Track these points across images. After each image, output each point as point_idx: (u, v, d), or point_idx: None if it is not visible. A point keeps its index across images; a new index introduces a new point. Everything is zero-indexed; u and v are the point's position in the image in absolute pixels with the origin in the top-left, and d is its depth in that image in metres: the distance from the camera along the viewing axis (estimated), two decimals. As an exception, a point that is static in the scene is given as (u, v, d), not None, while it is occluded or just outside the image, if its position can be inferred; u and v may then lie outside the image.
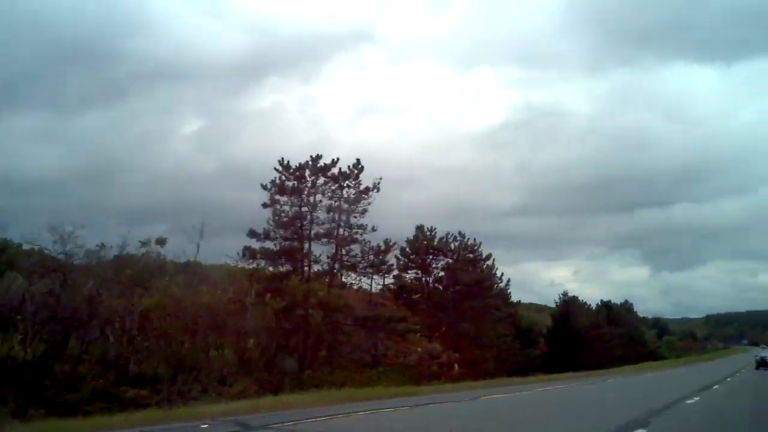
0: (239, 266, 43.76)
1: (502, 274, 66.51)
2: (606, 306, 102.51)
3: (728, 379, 41.90)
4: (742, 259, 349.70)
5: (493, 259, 63.31)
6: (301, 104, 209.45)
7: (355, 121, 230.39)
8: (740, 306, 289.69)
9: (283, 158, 45.28)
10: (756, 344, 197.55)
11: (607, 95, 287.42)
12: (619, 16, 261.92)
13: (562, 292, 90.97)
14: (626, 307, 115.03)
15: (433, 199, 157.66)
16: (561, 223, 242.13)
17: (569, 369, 59.79)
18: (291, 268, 45.26)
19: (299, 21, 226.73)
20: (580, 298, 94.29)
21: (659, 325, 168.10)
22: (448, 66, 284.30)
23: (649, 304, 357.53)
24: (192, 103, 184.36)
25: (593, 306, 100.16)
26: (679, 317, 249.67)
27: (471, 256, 60.56)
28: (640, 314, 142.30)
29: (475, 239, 61.64)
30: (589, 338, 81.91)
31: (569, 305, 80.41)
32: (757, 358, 63.90)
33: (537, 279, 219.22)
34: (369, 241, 47.74)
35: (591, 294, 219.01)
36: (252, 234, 44.30)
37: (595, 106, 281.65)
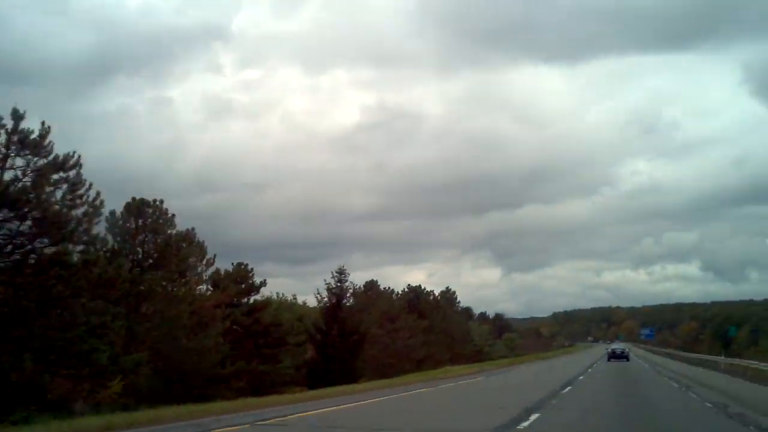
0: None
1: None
2: (414, 293, 76.70)
3: (589, 370, 47.06)
4: (587, 259, 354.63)
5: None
6: (150, 106, 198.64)
7: (209, 124, 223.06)
8: (585, 304, 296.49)
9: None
10: (597, 341, 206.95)
11: (460, 96, 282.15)
12: (467, 17, 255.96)
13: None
14: (447, 296, 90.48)
15: (290, 203, 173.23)
16: (417, 225, 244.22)
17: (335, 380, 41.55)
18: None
19: (148, 18, 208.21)
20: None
21: (500, 322, 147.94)
22: (302, 67, 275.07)
23: (500, 305, 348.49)
24: (32, 105, 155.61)
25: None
26: (528, 317, 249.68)
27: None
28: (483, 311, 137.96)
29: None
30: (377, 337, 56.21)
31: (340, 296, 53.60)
32: (608, 351, 73.42)
33: (396, 283, 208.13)
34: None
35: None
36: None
37: (448, 108, 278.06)
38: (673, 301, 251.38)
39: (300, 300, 64.04)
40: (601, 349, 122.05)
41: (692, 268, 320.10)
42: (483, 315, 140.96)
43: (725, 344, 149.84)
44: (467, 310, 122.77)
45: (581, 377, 37.67)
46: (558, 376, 38.71)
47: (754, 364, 45.58)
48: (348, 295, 54.46)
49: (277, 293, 59.13)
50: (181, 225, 38.16)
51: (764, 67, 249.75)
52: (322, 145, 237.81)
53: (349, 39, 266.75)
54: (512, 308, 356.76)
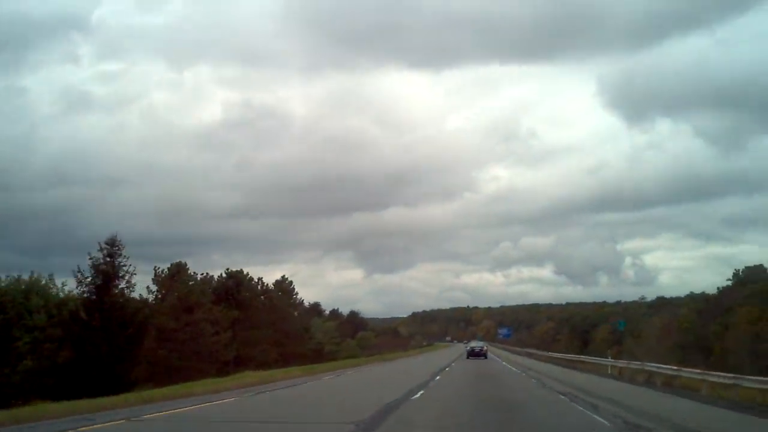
0: None
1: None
2: (235, 280, 61.82)
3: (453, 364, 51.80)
4: (447, 261, 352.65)
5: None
6: (2, 95, 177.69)
7: (65, 116, 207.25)
8: (445, 304, 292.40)
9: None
10: (455, 341, 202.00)
11: (325, 97, 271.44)
12: (334, 19, 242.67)
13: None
14: (282, 286, 76.43)
15: (149, 199, 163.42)
16: (280, 225, 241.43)
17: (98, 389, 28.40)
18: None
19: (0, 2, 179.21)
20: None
21: (355, 321, 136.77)
22: (165, 61, 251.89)
23: (362, 305, 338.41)
24: None
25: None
26: (389, 317, 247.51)
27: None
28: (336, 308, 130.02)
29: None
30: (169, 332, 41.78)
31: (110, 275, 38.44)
32: (468, 348, 76.89)
33: None
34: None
35: (308, 297, 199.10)
36: None
37: (313, 108, 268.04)
38: (529, 302, 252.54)
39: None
40: (459, 348, 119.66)
41: (547, 272, 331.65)
42: (335, 312, 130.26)
43: (584, 343, 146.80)
44: (315, 306, 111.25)
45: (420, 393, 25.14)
46: (401, 382, 30.16)
47: (653, 366, 34.18)
48: (124, 275, 39.55)
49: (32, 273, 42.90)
50: (34, 219, 23.64)
51: (616, 81, 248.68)
52: (184, 141, 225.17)
53: (214, 36, 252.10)
54: (373, 308, 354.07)
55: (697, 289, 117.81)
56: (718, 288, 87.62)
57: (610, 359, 48.93)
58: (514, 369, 47.86)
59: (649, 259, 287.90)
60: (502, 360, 71.02)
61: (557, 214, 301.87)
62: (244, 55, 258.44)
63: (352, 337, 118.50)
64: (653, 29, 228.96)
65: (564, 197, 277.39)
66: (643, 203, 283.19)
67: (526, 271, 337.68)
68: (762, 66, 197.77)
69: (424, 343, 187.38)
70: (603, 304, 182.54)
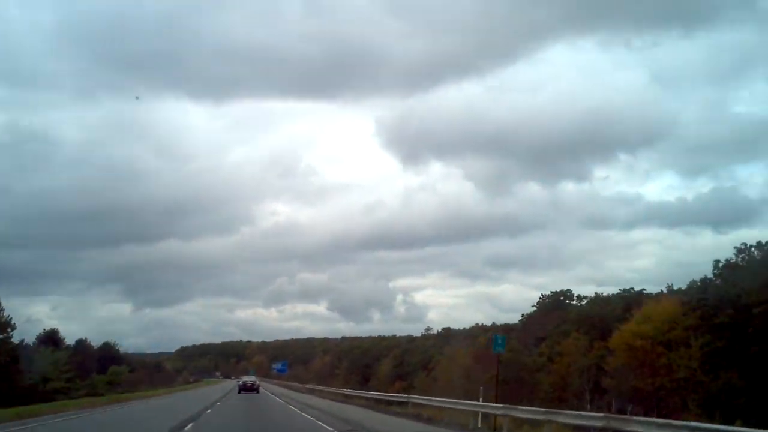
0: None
1: None
2: None
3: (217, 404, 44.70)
4: (222, 296, 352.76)
5: None
6: None
7: None
8: (217, 339, 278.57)
9: None
10: (227, 376, 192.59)
11: (100, 123, 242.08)
12: (110, 41, 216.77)
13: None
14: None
15: None
16: (43, 255, 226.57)
17: None
18: None
19: None
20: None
21: (108, 354, 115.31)
22: None
23: (131, 340, 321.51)
24: None
25: None
26: (158, 351, 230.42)
27: None
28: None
29: None
30: None
31: None
32: (240, 383, 74.03)
33: (17, 316, 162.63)
34: None
35: (73, 331, 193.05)
36: None
37: (86, 135, 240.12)
38: (304, 336, 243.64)
39: None
40: (229, 384, 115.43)
41: (321, 308, 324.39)
42: (82, 343, 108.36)
43: (365, 378, 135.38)
44: (51, 334, 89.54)
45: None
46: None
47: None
48: None
49: None
50: None
51: (392, 122, 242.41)
52: None
53: None
54: (141, 343, 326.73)
55: (464, 325, 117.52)
56: (522, 315, 79.54)
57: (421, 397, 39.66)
58: (295, 409, 39.69)
59: (419, 297, 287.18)
60: (278, 397, 57.61)
61: (333, 251, 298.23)
62: (12, 75, 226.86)
63: (100, 372, 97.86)
64: (428, 74, 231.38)
65: (340, 234, 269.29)
66: (415, 242, 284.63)
67: (301, 307, 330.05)
68: (527, 114, 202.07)
69: (191, 379, 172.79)
70: (381, 338, 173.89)
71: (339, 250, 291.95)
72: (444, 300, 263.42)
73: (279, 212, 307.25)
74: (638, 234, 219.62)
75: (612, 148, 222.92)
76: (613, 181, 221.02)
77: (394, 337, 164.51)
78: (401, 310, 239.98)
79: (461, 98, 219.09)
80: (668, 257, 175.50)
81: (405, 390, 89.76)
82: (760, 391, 36.33)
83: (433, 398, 35.91)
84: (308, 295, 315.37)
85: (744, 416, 32.89)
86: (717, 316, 41.27)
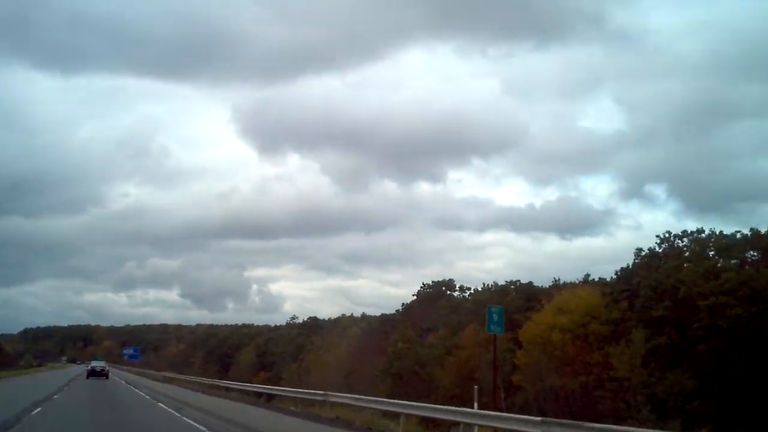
0: None
1: None
2: None
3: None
4: (69, 278, 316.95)
5: None
6: None
7: None
8: (63, 322, 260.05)
9: None
10: (74, 361, 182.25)
11: None
12: None
13: None
14: None
15: None
16: None
17: None
18: None
19: None
20: None
21: None
22: None
23: None
24: None
25: None
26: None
27: None
28: None
29: None
30: None
31: None
32: (88, 368, 71.11)
33: None
34: None
35: None
36: None
37: None
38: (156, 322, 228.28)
39: None
40: (75, 370, 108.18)
41: (173, 295, 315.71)
42: None
43: (224, 367, 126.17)
44: None
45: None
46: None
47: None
48: None
49: None
50: None
51: (250, 110, 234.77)
52: None
53: None
54: None
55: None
56: (403, 304, 73.87)
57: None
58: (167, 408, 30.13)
59: (275, 287, 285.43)
60: (136, 388, 49.53)
61: (186, 237, 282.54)
62: None
63: None
64: (289, 64, 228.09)
65: (194, 220, 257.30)
66: (270, 233, 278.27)
67: (153, 293, 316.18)
68: (385, 113, 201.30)
69: (35, 363, 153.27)
70: (242, 327, 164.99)
71: (192, 236, 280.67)
72: (299, 292, 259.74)
73: (130, 194, 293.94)
74: (489, 236, 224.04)
75: (466, 152, 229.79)
76: (466, 184, 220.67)
77: (253, 325, 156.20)
78: (256, 300, 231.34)
79: (321, 92, 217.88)
80: (516, 260, 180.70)
81: (271, 382, 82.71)
82: (717, 393, 32.14)
83: (360, 397, 27.84)
84: (160, 281, 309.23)
85: (705, 421, 28.63)
86: (653, 309, 36.86)
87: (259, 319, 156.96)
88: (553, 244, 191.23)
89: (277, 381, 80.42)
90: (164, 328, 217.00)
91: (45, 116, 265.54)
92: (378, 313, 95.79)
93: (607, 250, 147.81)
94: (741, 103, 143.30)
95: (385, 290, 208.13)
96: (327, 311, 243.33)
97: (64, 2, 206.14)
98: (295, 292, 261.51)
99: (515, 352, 43.50)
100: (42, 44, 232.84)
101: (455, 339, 50.61)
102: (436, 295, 69.29)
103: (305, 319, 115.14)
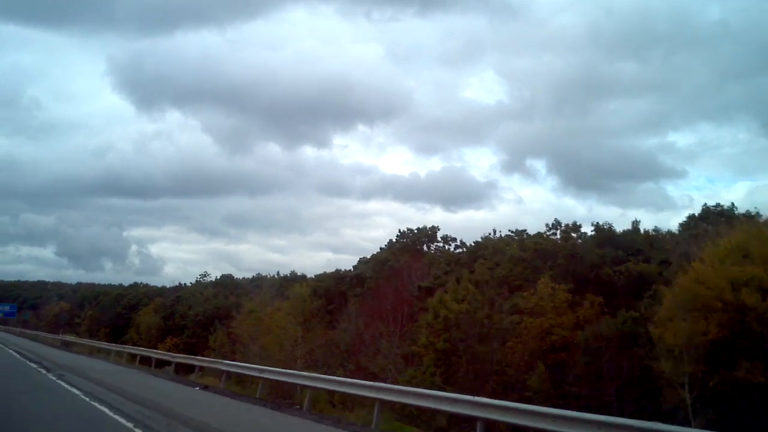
0: None
1: None
2: None
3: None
4: None
5: None
6: None
7: None
8: None
9: None
10: None
11: None
12: None
13: None
14: None
15: None
16: None
17: None
18: None
19: None
20: None
21: None
22: None
23: None
24: None
25: None
26: None
27: None
28: None
29: None
30: None
31: None
32: None
33: None
34: None
35: None
36: None
37: None
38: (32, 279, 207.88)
39: None
40: None
41: (48, 252, 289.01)
42: None
43: (116, 330, 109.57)
44: None
45: None
46: None
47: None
48: None
49: None
50: None
51: (126, 63, 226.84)
52: None
53: None
54: None
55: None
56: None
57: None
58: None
59: (155, 249, 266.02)
60: (31, 362, 35.23)
61: (60, 193, 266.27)
62: None
63: None
64: (165, 17, 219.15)
65: (68, 176, 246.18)
66: (149, 192, 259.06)
67: (25, 249, 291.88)
68: (266, 72, 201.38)
69: None
70: (138, 286, 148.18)
71: (68, 192, 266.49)
72: (180, 255, 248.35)
73: None
74: (374, 205, 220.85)
75: (351, 117, 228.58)
76: (351, 150, 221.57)
77: (149, 286, 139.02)
78: (136, 261, 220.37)
79: (200, 47, 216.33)
80: (400, 229, 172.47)
81: (187, 350, 68.06)
82: None
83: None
84: (33, 237, 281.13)
85: None
86: None
87: (140, 281, 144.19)
88: (437, 214, 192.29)
89: (195, 349, 66.42)
90: (42, 285, 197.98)
91: None
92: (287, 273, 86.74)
93: (489, 223, 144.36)
94: (618, 79, 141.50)
95: (269, 256, 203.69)
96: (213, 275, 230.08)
97: None
98: (176, 254, 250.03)
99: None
100: None
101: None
102: (414, 247, 56.36)
103: (218, 277, 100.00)
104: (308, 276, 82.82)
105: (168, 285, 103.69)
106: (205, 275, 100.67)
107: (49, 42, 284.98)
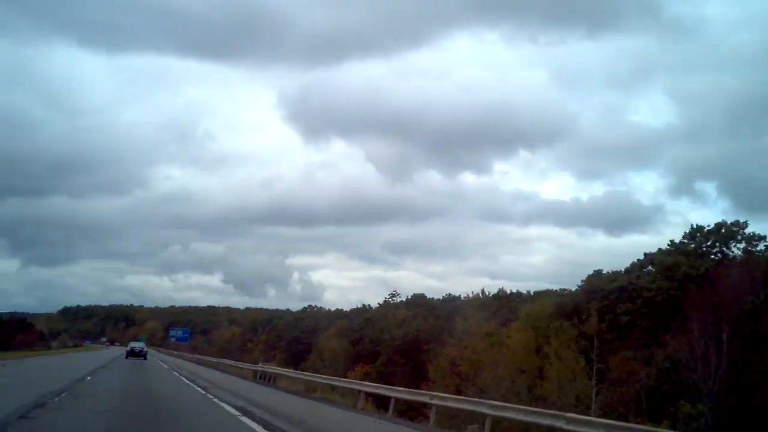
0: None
1: None
2: None
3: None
4: (112, 259, 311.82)
5: None
6: None
7: None
8: (105, 303, 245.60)
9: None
10: (113, 343, 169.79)
11: None
12: None
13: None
14: None
15: None
16: None
17: None
18: None
19: None
20: None
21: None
22: None
23: (14, 299, 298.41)
24: None
25: None
26: (40, 312, 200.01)
27: None
28: None
29: None
30: None
31: None
32: (128, 349, 71.23)
33: None
34: None
35: None
36: None
37: None
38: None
39: None
40: (113, 352, 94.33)
41: (215, 280, 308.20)
42: None
43: (294, 355, 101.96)
44: None
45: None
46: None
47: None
48: None
49: None
50: None
51: (295, 95, 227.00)
52: None
53: None
54: (27, 303, 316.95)
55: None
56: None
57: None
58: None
59: (316, 276, 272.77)
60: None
61: (229, 222, 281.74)
62: None
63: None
64: (333, 48, 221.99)
65: (237, 206, 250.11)
66: (313, 220, 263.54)
67: (195, 278, 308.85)
68: (430, 101, 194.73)
69: (70, 344, 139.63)
70: (284, 312, 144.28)
71: (235, 221, 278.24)
72: (341, 281, 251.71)
73: (174, 177, 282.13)
74: (533, 231, 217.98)
75: (513, 143, 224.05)
76: (512, 176, 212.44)
77: (323, 309, 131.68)
78: (297, 288, 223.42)
79: (365, 77, 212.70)
80: (561, 256, 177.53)
81: (370, 379, 57.61)
82: None
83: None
84: (203, 265, 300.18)
85: None
86: None
87: (301, 307, 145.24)
88: (599, 240, 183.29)
89: (392, 379, 56.03)
90: (212, 310, 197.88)
91: (90, 96, 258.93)
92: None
93: (655, 248, 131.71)
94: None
95: (426, 282, 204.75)
96: (370, 302, 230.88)
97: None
98: (336, 281, 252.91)
99: None
100: (87, 22, 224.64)
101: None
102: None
103: (408, 297, 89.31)
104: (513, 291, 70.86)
105: (383, 301, 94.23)
106: (394, 295, 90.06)
107: (222, 76, 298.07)
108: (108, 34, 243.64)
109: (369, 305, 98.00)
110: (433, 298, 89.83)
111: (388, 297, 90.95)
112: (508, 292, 72.17)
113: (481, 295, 71.98)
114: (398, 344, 69.64)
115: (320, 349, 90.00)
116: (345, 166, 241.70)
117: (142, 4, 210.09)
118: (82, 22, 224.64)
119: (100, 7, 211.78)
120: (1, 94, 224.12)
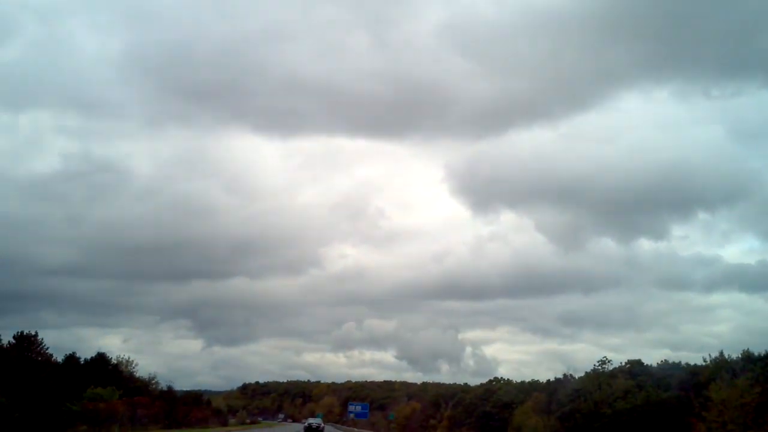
0: None
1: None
2: None
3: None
4: (289, 337, 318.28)
5: None
6: None
7: None
8: (282, 379, 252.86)
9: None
10: (290, 419, 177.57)
11: (168, 155, 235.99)
12: (177, 71, 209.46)
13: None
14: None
15: None
16: (115, 286, 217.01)
17: None
18: None
19: None
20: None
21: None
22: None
23: (199, 378, 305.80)
24: None
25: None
26: (226, 390, 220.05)
27: None
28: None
29: None
30: None
31: None
32: (305, 424, 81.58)
33: (86, 347, 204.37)
34: None
35: (143, 365, 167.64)
36: None
37: (155, 165, 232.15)
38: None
39: None
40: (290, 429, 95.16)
41: (388, 356, 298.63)
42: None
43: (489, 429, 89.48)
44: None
45: None
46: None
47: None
48: None
49: None
50: None
51: (462, 168, 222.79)
52: (13, 190, 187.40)
53: (53, 79, 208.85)
54: (212, 381, 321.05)
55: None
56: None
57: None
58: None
59: (489, 350, 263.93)
60: None
61: (401, 298, 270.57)
62: (83, 103, 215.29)
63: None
64: (498, 117, 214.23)
65: (408, 281, 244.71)
66: (484, 294, 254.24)
67: (369, 354, 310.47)
68: (600, 165, 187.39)
69: (247, 420, 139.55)
70: (465, 387, 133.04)
71: (407, 297, 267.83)
72: (513, 355, 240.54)
73: (347, 255, 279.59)
74: (717, 298, 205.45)
75: (690, 205, 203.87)
76: (691, 240, 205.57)
77: (510, 381, 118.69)
78: (470, 362, 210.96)
79: (532, 144, 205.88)
80: (747, 323, 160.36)
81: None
82: None
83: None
84: (376, 341, 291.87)
85: None
86: None
87: (475, 382, 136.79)
88: None
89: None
90: (389, 385, 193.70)
91: (266, 180, 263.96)
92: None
93: None
94: None
95: (603, 354, 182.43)
96: (543, 376, 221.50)
97: (278, 68, 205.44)
98: (510, 355, 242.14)
99: None
100: (260, 109, 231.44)
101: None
102: None
103: (622, 363, 75.18)
104: None
105: (592, 369, 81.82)
106: (604, 362, 76.36)
107: (392, 153, 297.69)
108: (281, 120, 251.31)
109: (571, 374, 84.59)
110: (650, 365, 75.23)
111: (597, 365, 77.27)
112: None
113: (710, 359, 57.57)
114: (625, 419, 56.26)
115: (517, 425, 77.82)
116: (515, 237, 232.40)
117: (311, 89, 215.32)
118: (257, 109, 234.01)
119: (272, 95, 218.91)
120: (185, 183, 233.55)
